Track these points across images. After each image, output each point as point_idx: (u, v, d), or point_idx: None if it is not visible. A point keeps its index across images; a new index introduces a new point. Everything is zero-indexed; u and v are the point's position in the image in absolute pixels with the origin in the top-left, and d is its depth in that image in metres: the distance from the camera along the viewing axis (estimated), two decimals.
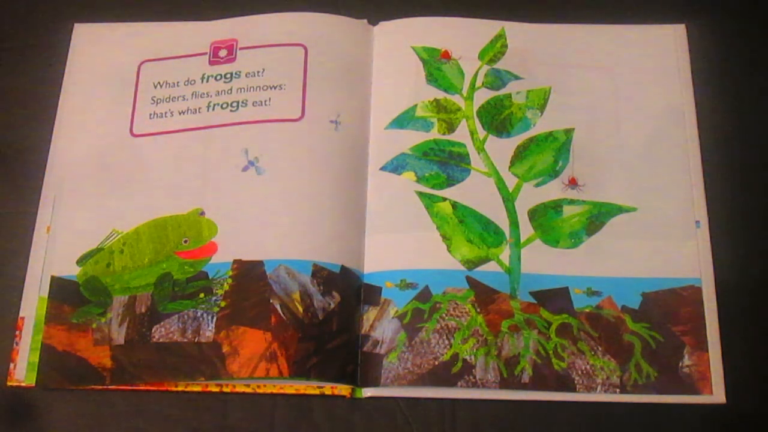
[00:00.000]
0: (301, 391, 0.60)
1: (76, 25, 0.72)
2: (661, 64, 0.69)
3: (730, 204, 0.65)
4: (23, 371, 0.61)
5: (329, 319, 0.61)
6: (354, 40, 0.69)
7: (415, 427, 0.61)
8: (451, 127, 0.67)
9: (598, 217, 0.64)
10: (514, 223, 0.64)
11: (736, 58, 0.70)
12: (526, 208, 0.65)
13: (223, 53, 0.69)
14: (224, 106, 0.67)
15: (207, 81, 0.68)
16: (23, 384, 0.61)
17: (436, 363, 0.60)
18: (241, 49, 0.69)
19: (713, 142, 0.67)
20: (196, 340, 0.61)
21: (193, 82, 0.69)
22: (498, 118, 0.67)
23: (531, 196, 0.65)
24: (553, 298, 0.62)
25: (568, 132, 0.67)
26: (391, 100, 0.68)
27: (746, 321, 0.62)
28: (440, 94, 0.68)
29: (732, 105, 0.69)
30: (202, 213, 0.64)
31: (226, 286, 0.62)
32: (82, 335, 0.61)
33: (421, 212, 0.64)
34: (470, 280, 0.62)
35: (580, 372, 0.60)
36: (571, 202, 0.65)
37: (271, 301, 0.61)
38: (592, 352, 0.61)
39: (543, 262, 0.63)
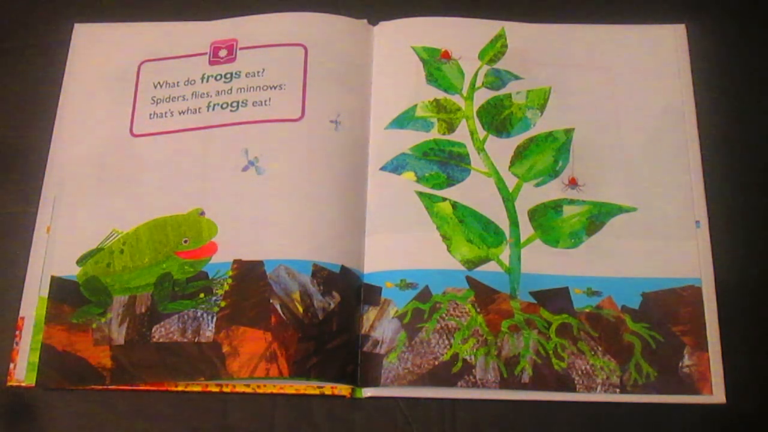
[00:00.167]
0: (301, 391, 0.60)
1: (76, 25, 0.72)
2: (661, 64, 0.69)
3: (730, 204, 0.65)
4: (23, 371, 0.61)
5: (329, 319, 0.61)
6: (354, 40, 0.69)
7: (415, 427, 0.61)
8: (451, 127, 0.67)
9: (598, 217, 0.64)
10: (514, 223, 0.64)
11: (736, 58, 0.70)
12: (526, 208, 0.65)
13: (223, 53, 0.69)
14: (224, 106, 0.67)
15: (207, 81, 0.68)
16: (23, 384, 0.61)
17: (436, 363, 0.60)
18: (241, 49, 0.69)
19: (713, 142, 0.67)
20: (196, 340, 0.61)
21: (193, 82, 0.69)
22: (498, 118, 0.67)
23: (531, 196, 0.65)
24: (553, 298, 0.62)
25: (568, 132, 0.67)
26: (391, 100, 0.68)
27: (746, 321, 0.62)
28: (440, 94, 0.68)
29: (732, 105, 0.69)
30: (202, 213, 0.64)
31: (226, 286, 0.62)
32: (82, 335, 0.62)
33: (421, 212, 0.64)
34: (470, 280, 0.62)
35: (580, 372, 0.60)
36: (571, 202, 0.65)
37: (271, 301, 0.61)
38: (592, 352, 0.61)
39: (543, 262, 0.63)
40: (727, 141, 0.67)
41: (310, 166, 0.65)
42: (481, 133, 0.67)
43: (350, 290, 0.62)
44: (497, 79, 0.68)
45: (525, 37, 0.70)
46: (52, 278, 0.63)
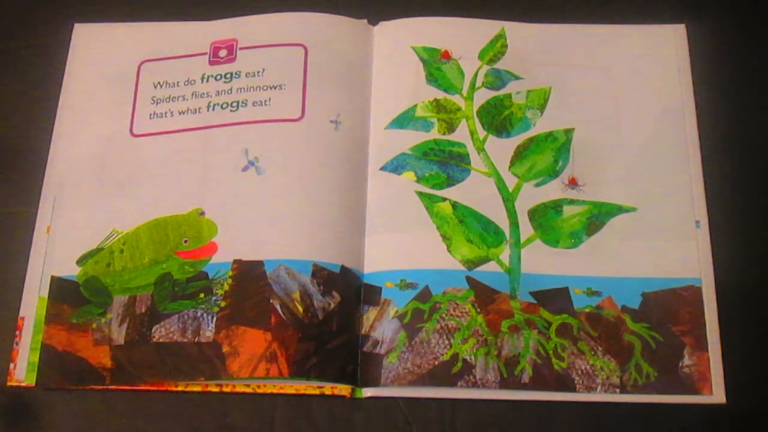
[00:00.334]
0: (301, 391, 0.60)
1: (76, 25, 0.72)
2: (660, 64, 0.69)
3: (730, 204, 0.65)
4: (23, 371, 0.61)
5: (329, 319, 0.61)
6: (354, 40, 0.69)
7: (415, 427, 0.61)
8: (451, 127, 0.67)
9: (598, 217, 0.64)
10: (514, 223, 0.64)
11: (736, 58, 0.70)
12: (526, 208, 0.65)
13: (223, 53, 0.69)
14: (224, 106, 0.67)
15: (207, 81, 0.68)
16: (23, 384, 0.61)
17: (436, 363, 0.60)
18: (241, 49, 0.69)
19: (713, 142, 0.67)
20: (196, 340, 0.61)
21: (193, 82, 0.69)
22: (498, 118, 0.67)
23: (531, 196, 0.65)
24: (553, 298, 0.62)
25: (568, 132, 0.67)
26: (391, 100, 0.68)
27: (746, 321, 0.62)
28: (440, 94, 0.68)
29: (732, 105, 0.69)
30: (202, 213, 0.64)
31: (226, 286, 0.62)
32: (82, 335, 0.61)
33: (421, 212, 0.64)
34: (470, 280, 0.62)
35: (580, 372, 0.60)
36: (571, 202, 0.65)
37: (271, 301, 0.61)
38: (592, 352, 0.61)
39: (543, 262, 0.63)
40: (727, 141, 0.67)
41: (310, 166, 0.65)
42: (481, 133, 0.67)
43: (350, 290, 0.62)
44: (497, 79, 0.68)
45: (525, 37, 0.70)
46: (52, 278, 0.63)
